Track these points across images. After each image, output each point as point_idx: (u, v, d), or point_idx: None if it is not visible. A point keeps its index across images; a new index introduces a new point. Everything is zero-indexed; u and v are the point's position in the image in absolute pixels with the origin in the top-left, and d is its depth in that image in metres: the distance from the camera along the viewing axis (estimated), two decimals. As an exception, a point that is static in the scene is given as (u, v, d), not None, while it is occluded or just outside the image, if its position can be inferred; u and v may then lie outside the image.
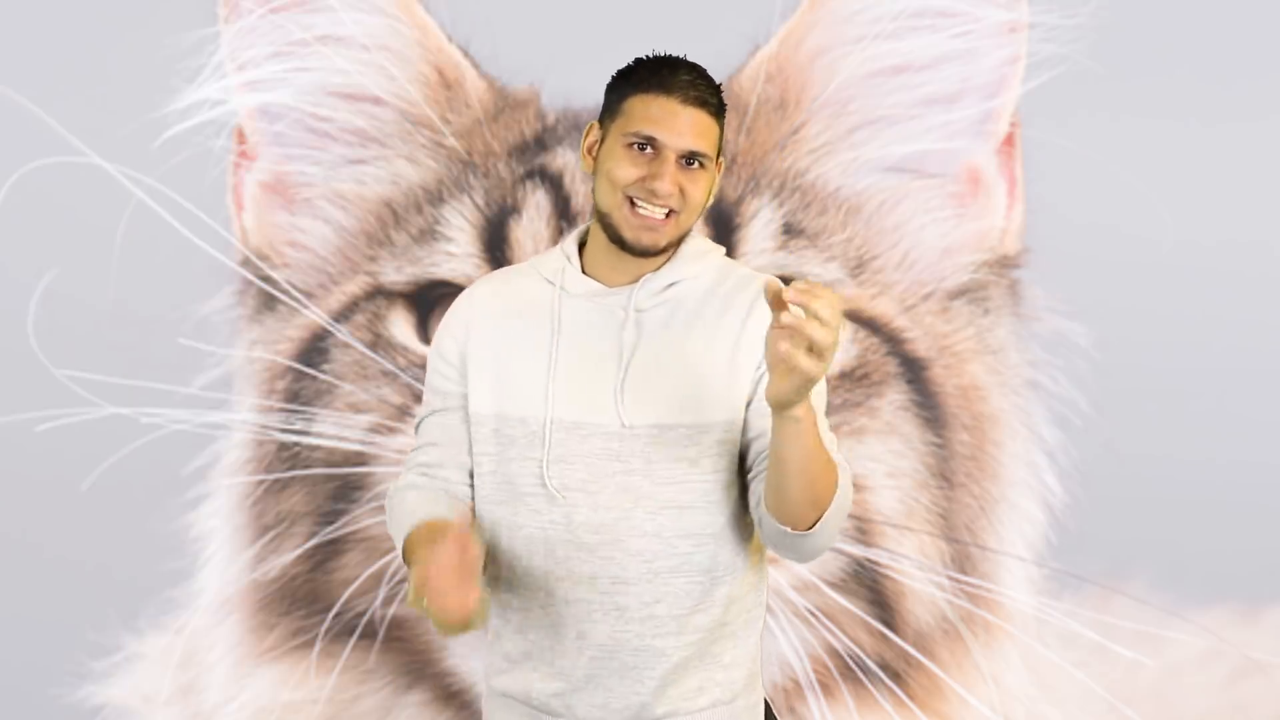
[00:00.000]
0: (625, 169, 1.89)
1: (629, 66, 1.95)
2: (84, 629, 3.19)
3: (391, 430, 3.10)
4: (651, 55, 1.94)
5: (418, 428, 2.05)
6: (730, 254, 3.06)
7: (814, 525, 1.81)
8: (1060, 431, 3.12)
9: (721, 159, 1.97)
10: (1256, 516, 3.12)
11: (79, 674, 3.20)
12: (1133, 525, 3.10)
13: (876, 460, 3.09)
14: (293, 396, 3.14)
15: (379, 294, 3.12)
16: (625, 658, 1.92)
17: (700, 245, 2.00)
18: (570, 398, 1.92)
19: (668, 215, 1.90)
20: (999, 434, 3.12)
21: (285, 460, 3.14)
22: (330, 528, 3.14)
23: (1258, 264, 3.11)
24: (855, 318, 3.07)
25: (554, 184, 3.09)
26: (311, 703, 3.15)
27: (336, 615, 3.14)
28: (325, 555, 3.14)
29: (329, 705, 3.15)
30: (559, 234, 3.05)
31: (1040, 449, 3.12)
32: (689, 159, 1.90)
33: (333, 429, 3.13)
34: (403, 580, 3.12)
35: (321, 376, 3.13)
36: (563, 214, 3.08)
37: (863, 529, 3.10)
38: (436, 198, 3.12)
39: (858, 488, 3.07)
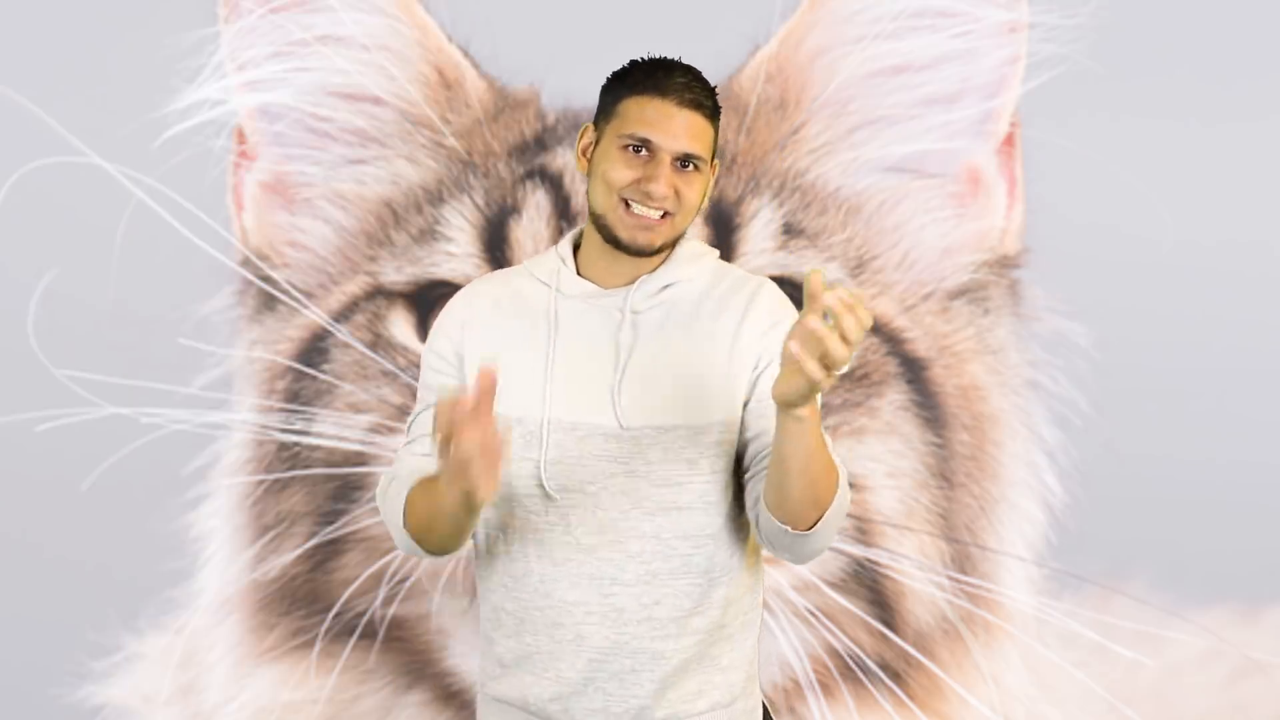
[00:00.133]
0: (620, 171, 1.89)
1: (623, 68, 1.95)
2: (84, 629, 3.19)
3: (391, 430, 3.10)
4: (646, 57, 1.94)
5: (410, 426, 2.03)
6: (730, 254, 3.08)
7: (814, 525, 1.81)
8: (1060, 431, 3.12)
9: (717, 161, 1.96)
10: (1256, 516, 3.12)
11: (79, 674, 3.20)
12: (1133, 525, 3.10)
13: (876, 460, 3.09)
14: (293, 396, 3.14)
15: (379, 294, 3.12)
16: (623, 660, 1.92)
17: (695, 248, 2.00)
18: (568, 398, 1.92)
19: (663, 216, 1.90)
20: (999, 434, 3.12)
21: (285, 460, 3.14)
22: (330, 528, 3.14)
23: (1258, 264, 3.11)
24: (855, 318, 3.07)
25: (554, 184, 3.09)
26: (311, 703, 3.15)
27: (336, 615, 3.14)
28: (325, 555, 3.14)
29: (329, 705, 3.15)
30: (559, 234, 3.05)
31: (1040, 449, 3.12)
32: (684, 161, 1.89)
33: (333, 429, 3.13)
34: (403, 580, 3.12)
35: (321, 376, 3.13)
36: (563, 214, 3.08)
37: (863, 529, 3.09)
38: (436, 198, 3.12)
39: (858, 488, 3.07)
